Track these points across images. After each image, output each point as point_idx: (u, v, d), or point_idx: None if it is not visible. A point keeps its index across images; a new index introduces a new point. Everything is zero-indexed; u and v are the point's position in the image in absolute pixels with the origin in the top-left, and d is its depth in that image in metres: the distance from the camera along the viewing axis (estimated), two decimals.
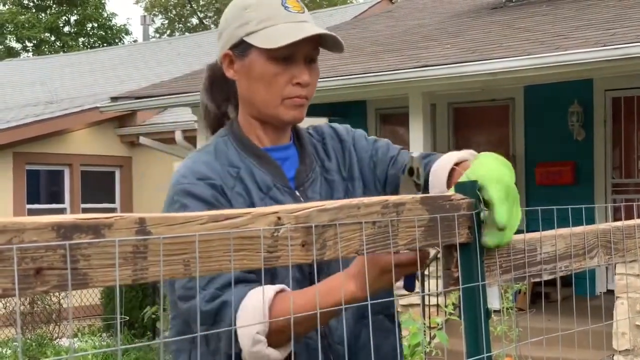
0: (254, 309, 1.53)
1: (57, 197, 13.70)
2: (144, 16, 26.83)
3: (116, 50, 22.35)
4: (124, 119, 13.88)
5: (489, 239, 1.41)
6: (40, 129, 13.07)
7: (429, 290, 7.21)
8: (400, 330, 1.92)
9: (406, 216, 1.34)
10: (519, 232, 1.49)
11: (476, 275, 1.41)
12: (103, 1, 32.40)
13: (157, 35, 33.76)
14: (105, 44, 30.55)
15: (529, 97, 9.58)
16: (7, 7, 32.05)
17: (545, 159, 9.45)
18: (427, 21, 11.18)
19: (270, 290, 1.55)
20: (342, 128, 1.96)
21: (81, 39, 32.33)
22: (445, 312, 6.24)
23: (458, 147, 2.36)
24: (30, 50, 32.17)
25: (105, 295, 10.71)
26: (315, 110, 9.16)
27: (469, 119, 10.19)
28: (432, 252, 1.58)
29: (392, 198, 1.34)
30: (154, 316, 9.46)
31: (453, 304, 6.39)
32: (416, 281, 1.69)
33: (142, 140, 13.02)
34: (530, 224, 2.20)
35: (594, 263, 1.72)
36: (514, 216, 1.43)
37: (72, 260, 0.93)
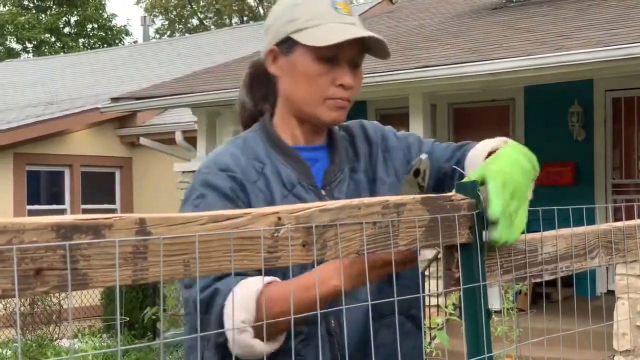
0: (241, 298, 1.53)
1: (58, 198, 13.70)
2: (144, 17, 26.84)
3: (117, 51, 22.36)
4: (124, 120, 13.88)
5: (492, 233, 1.40)
6: (40, 129, 13.07)
7: (429, 291, 7.21)
8: (422, 333, 1.88)
9: (407, 216, 1.34)
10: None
11: (477, 276, 1.41)
12: (103, 2, 32.42)
13: (158, 36, 33.77)
14: (105, 45, 30.56)
15: (529, 98, 9.58)
16: (7, 8, 32.07)
17: (546, 159, 9.43)
18: (428, 22, 11.18)
19: (259, 281, 1.55)
20: (372, 129, 1.95)
21: (81, 40, 32.35)
22: (446, 313, 6.24)
23: None
24: (31, 51, 32.18)
25: (105, 296, 10.71)
26: None
27: (469, 119, 10.19)
28: (432, 252, 1.58)
29: (393, 198, 1.34)
30: (154, 317, 9.46)
31: (453, 304, 6.39)
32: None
33: (143, 141, 13.02)
34: (531, 224, 2.20)
35: (595, 263, 1.72)
36: (519, 216, 1.43)
37: (72, 260, 0.93)
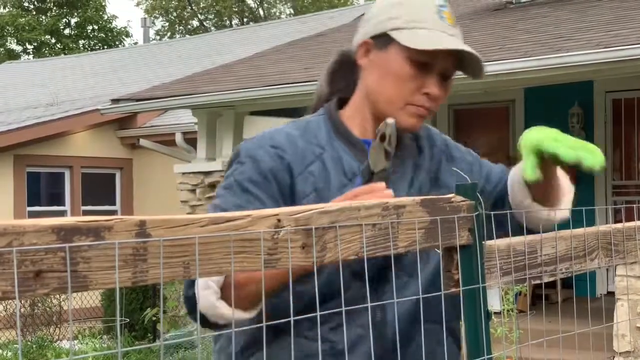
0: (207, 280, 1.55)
1: (58, 200, 13.70)
2: (145, 18, 26.84)
3: (117, 53, 22.36)
4: (124, 121, 13.88)
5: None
6: (40, 131, 13.07)
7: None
8: (458, 347, 1.83)
9: (406, 218, 1.34)
10: (520, 234, 1.50)
11: (476, 277, 1.42)
12: (103, 4, 32.42)
13: (158, 37, 33.76)
14: (105, 47, 30.54)
15: (530, 99, 9.58)
16: (7, 9, 32.07)
17: None
18: None
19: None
20: (436, 133, 1.93)
21: (82, 42, 32.34)
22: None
23: None
24: (31, 52, 32.18)
25: (105, 297, 10.71)
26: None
27: (469, 120, 10.19)
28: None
29: (392, 200, 1.34)
30: (154, 318, 9.46)
31: None
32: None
33: (143, 142, 13.02)
34: None
35: (595, 265, 1.72)
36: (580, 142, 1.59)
37: (72, 262, 0.93)
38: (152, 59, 18.91)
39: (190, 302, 1.60)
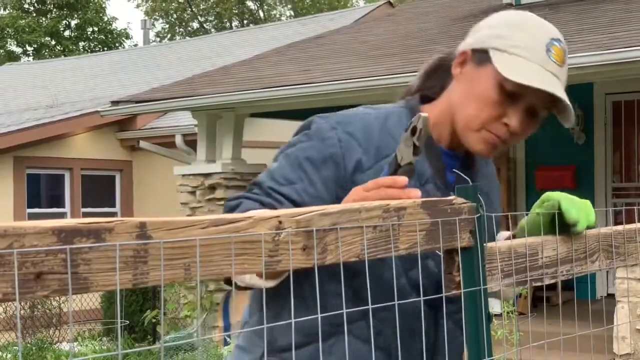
0: None
1: (58, 202, 13.70)
2: (145, 20, 26.85)
3: (117, 54, 22.36)
4: (124, 123, 13.89)
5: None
6: (40, 133, 13.07)
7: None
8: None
9: (407, 220, 1.34)
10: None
11: (477, 280, 1.41)
12: (104, 5, 32.44)
13: (158, 39, 33.77)
14: (105, 48, 30.54)
15: None
16: (7, 11, 32.08)
17: (546, 163, 9.44)
18: (428, 25, 11.19)
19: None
20: (491, 161, 1.93)
21: (82, 43, 32.36)
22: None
23: None
24: (31, 54, 32.19)
25: (105, 299, 10.70)
26: (315, 114, 9.15)
27: None
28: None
29: (394, 202, 1.34)
30: (154, 320, 9.46)
31: None
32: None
33: (142, 144, 13.03)
34: None
35: (596, 267, 1.72)
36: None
37: (73, 264, 0.93)
38: (152, 61, 18.91)
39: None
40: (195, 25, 35.22)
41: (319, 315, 1.34)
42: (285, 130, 12.03)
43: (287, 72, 9.59)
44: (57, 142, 13.38)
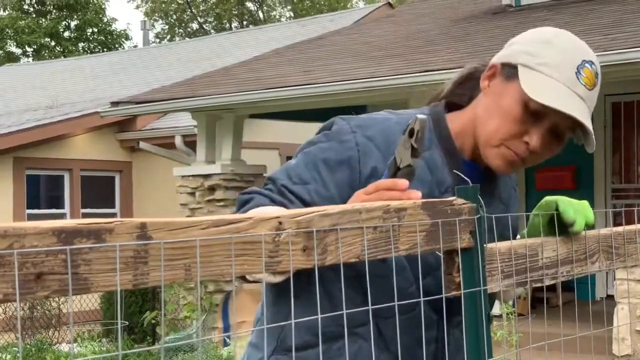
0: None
1: (57, 202, 13.70)
2: (144, 21, 26.85)
3: (116, 55, 22.36)
4: (123, 124, 13.89)
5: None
6: (40, 134, 13.07)
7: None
8: None
9: (407, 221, 1.34)
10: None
11: (477, 280, 1.41)
12: (103, 6, 32.43)
13: (157, 40, 33.78)
14: (105, 49, 30.53)
15: None
16: (7, 12, 32.08)
17: (546, 164, 9.42)
18: (428, 26, 11.19)
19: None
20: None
21: (81, 44, 32.36)
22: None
23: None
24: (31, 55, 32.18)
25: (104, 300, 10.70)
26: (315, 115, 9.17)
27: None
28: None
29: (394, 203, 1.34)
30: (153, 321, 9.45)
31: None
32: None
33: (142, 145, 13.02)
34: None
35: (596, 268, 1.72)
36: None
37: (73, 265, 0.93)
38: (152, 62, 18.91)
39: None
40: (195, 26, 35.23)
41: (319, 316, 1.34)
42: (285, 130, 12.04)
43: (287, 73, 9.59)
44: (56, 142, 13.38)
